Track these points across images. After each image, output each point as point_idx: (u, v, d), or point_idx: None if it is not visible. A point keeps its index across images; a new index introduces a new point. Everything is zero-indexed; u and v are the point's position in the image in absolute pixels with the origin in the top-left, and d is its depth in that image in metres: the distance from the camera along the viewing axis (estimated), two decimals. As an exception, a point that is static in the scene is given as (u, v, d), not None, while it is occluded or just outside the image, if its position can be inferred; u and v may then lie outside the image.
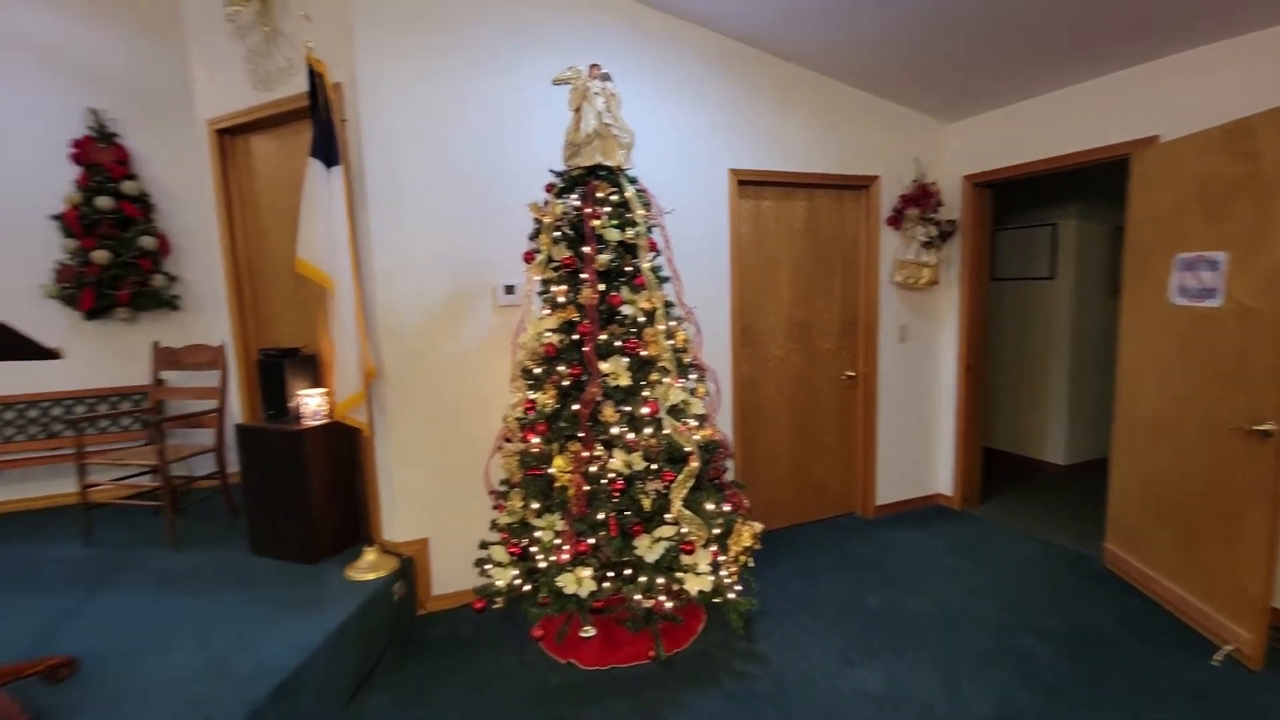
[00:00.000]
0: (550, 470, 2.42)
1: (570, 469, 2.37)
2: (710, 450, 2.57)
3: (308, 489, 2.81)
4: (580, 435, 2.38)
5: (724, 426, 3.42)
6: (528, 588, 2.48)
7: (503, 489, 2.66)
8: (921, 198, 3.80)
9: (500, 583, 2.49)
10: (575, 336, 2.43)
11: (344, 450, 2.96)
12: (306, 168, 2.46)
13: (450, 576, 3.03)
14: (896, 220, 3.87)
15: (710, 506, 2.47)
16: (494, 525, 2.67)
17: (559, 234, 2.47)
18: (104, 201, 3.75)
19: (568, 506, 2.38)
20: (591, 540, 2.34)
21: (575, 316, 2.44)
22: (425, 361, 2.90)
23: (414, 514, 2.97)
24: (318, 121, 2.45)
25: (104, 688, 2.01)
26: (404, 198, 2.80)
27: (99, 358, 3.98)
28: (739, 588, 2.53)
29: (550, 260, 2.47)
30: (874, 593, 3.17)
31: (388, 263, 2.80)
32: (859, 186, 3.87)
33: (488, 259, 2.95)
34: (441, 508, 3.00)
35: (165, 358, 3.69)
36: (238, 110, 3.14)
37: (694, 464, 2.39)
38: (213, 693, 1.97)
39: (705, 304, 3.20)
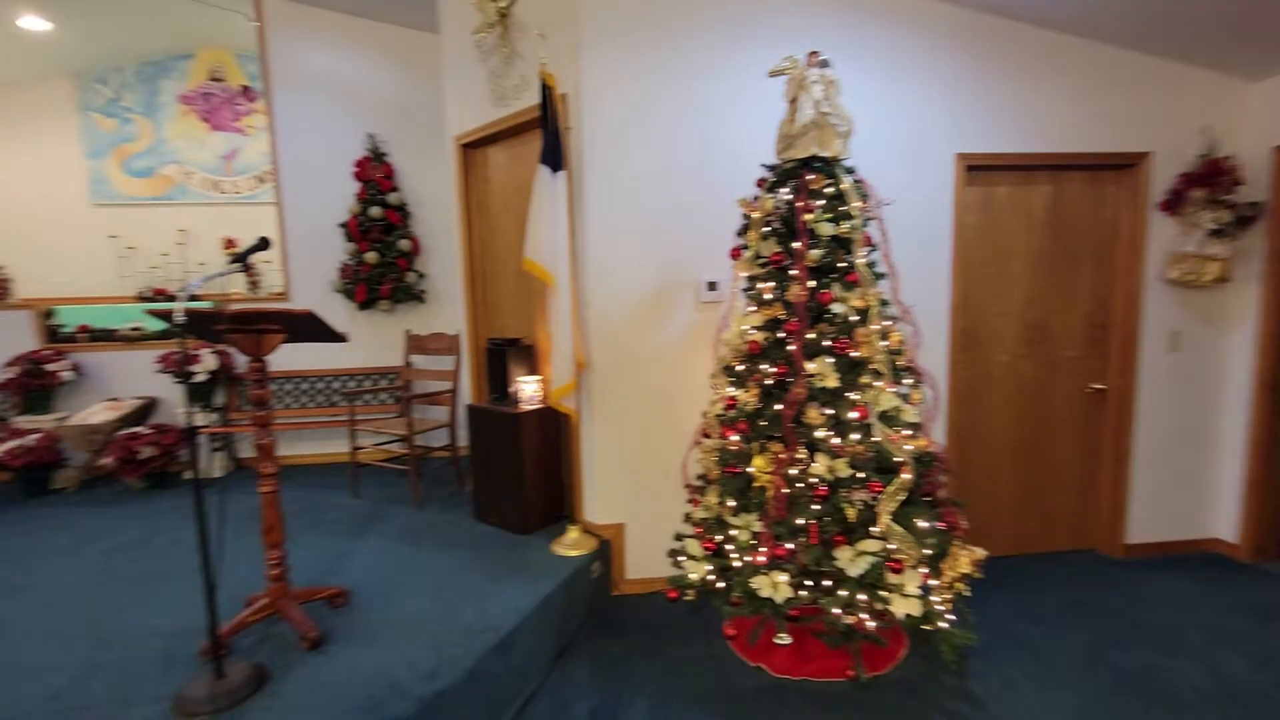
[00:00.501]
0: (749, 469, 2.39)
1: (770, 470, 2.32)
2: (925, 463, 2.35)
3: (522, 466, 3.10)
4: (782, 436, 2.31)
5: (938, 437, 3.11)
6: (721, 585, 2.47)
7: (699, 484, 2.69)
8: (1211, 175, 3.10)
9: (693, 576, 2.52)
10: (780, 334, 2.37)
11: (553, 434, 3.20)
12: (535, 174, 2.70)
13: (643, 562, 3.14)
14: (1174, 204, 3.21)
15: (923, 524, 2.25)
16: (688, 518, 2.71)
17: (768, 229, 2.42)
18: (375, 211, 4.48)
19: (766, 508, 2.33)
20: (789, 545, 2.27)
21: (781, 314, 2.37)
22: (630, 355, 3.03)
23: (613, 499, 3.12)
24: (546, 130, 2.67)
25: (367, 617, 2.40)
26: (617, 198, 2.94)
27: (366, 342, 4.78)
28: (952, 617, 2.28)
29: (758, 256, 2.43)
30: (1123, 649, 2.67)
31: (601, 260, 2.96)
32: (1122, 166, 3.27)
33: (691, 256, 2.99)
34: (638, 496, 3.12)
35: (414, 343, 4.30)
36: (478, 126, 3.54)
37: (906, 476, 2.20)
38: (446, 637, 2.25)
39: (920, 303, 2.93)
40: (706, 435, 2.67)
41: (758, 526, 2.35)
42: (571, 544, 2.95)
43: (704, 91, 2.94)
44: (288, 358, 4.56)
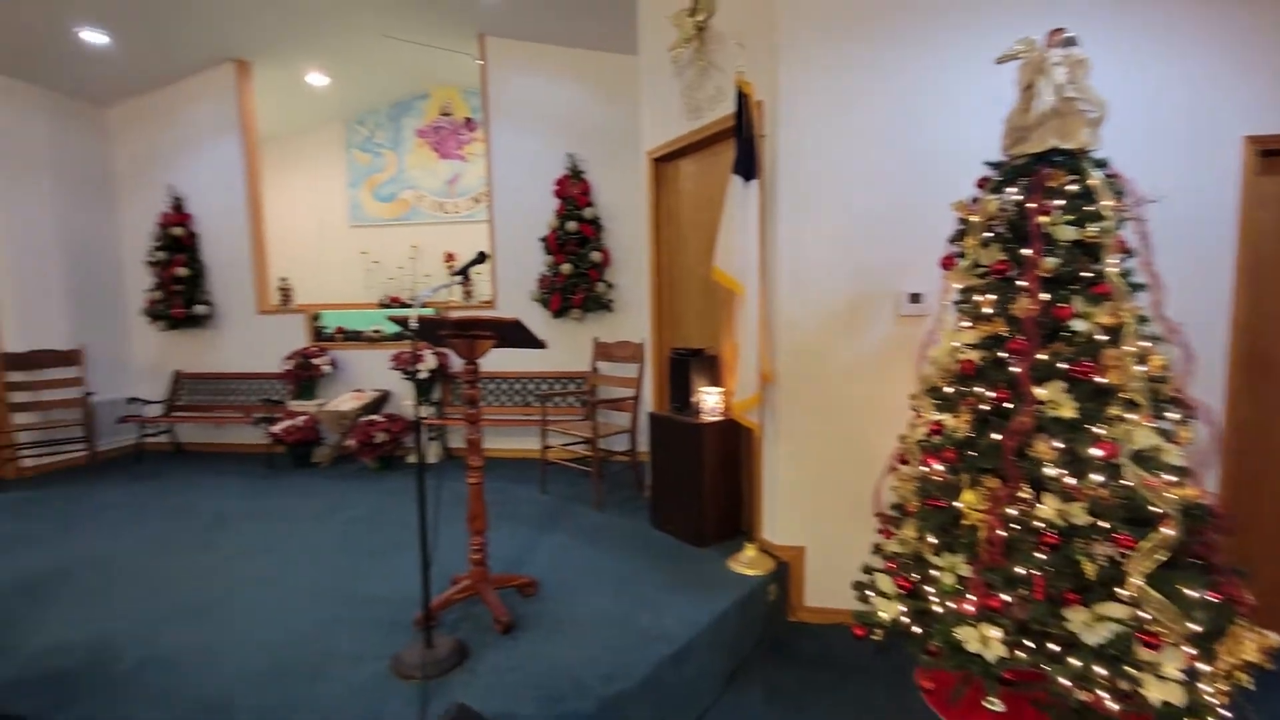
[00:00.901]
0: (956, 504, 2.12)
1: (983, 507, 2.03)
2: (1195, 517, 1.90)
3: (700, 478, 3.07)
4: (1000, 470, 2.02)
5: (1211, 487, 2.53)
6: (916, 629, 2.22)
7: (894, 514, 2.45)
8: None
9: (884, 615, 2.29)
10: (1001, 354, 2.07)
11: (734, 447, 3.14)
12: (727, 184, 2.67)
13: (824, 590, 2.95)
14: None
15: (1190, 593, 1.82)
16: (878, 550, 2.48)
17: (990, 235, 2.14)
18: (572, 225, 4.78)
19: (976, 550, 2.05)
20: (1005, 596, 1.97)
21: (1003, 330, 2.08)
22: (820, 369, 2.87)
23: (794, 520, 2.98)
24: (740, 139, 2.63)
25: (552, 609, 2.52)
26: (812, 205, 2.81)
27: (558, 348, 5.12)
28: (1228, 714, 1.82)
29: (976, 265, 2.16)
30: None
31: (792, 270, 2.85)
32: None
33: (891, 265, 2.76)
34: (822, 519, 2.93)
35: (601, 350, 4.50)
36: (670, 139, 3.62)
37: (1168, 531, 1.80)
38: (623, 641, 2.28)
39: (1192, 320, 2.40)
40: (904, 461, 2.43)
41: (965, 570, 2.07)
42: (749, 562, 2.86)
43: (911, 85, 2.70)
44: (495, 361, 5.04)
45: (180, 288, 5.39)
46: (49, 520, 3.84)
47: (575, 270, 4.78)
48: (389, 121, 7.06)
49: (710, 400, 3.14)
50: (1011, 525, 1.99)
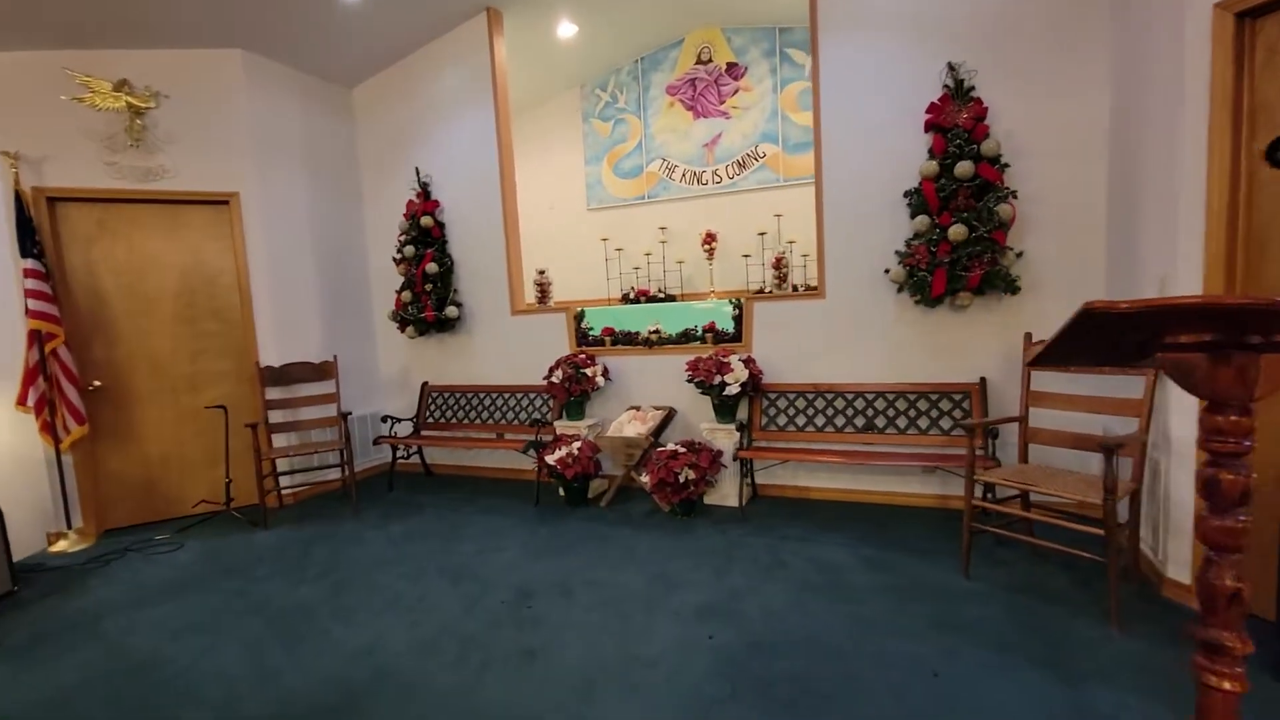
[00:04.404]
0: None
1: None
2: None
3: None
4: None
5: None
6: None
7: None
8: None
9: None
10: None
11: None
12: None
13: None
14: None
15: None
16: None
17: None
18: (964, 168, 3.18)
19: None
20: None
21: None
22: None
23: None
24: None
25: None
26: None
27: (918, 348, 3.56)
28: None
29: None
30: None
31: None
32: None
33: None
34: None
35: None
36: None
37: None
38: None
39: None
40: None
41: None
42: None
43: None
44: (790, 365, 3.60)
45: (431, 286, 4.60)
46: (319, 585, 3.02)
47: (971, 234, 3.18)
48: (633, 81, 5.94)
49: None
50: None
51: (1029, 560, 2.80)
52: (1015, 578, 2.65)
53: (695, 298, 5.58)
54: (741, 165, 5.59)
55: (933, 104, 3.36)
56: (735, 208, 5.64)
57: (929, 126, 3.38)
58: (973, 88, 3.30)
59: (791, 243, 5.38)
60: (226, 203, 4.23)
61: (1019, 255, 3.27)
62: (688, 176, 5.85)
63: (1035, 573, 2.68)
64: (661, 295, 5.76)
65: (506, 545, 3.37)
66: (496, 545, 3.38)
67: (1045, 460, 3.03)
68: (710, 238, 5.64)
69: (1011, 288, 3.26)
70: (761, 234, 5.51)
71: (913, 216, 3.40)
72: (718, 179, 5.74)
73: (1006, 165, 3.23)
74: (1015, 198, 3.22)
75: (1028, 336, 2.95)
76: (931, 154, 3.34)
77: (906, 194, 3.44)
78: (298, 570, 3.21)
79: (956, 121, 3.27)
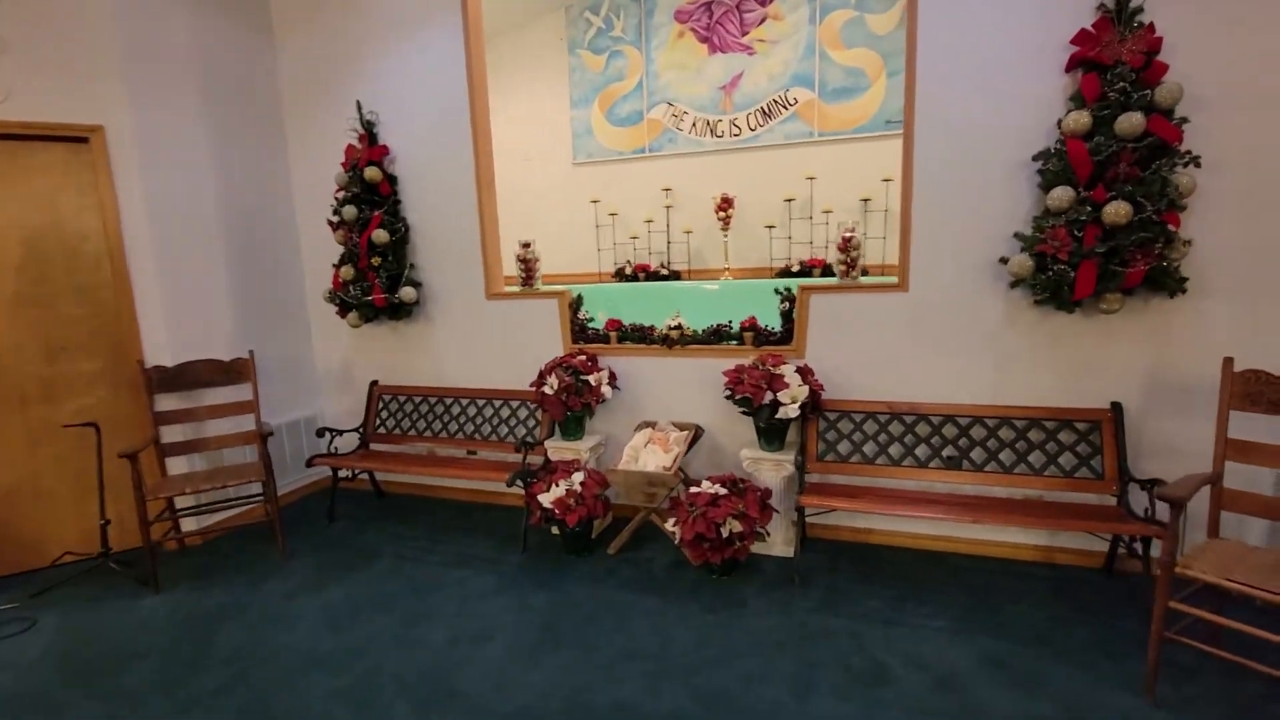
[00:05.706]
0: None
1: None
2: None
3: None
4: None
5: None
6: None
7: None
8: None
9: None
10: None
11: None
12: None
13: None
14: None
15: None
16: None
17: None
18: (1130, 122, 2.30)
19: None
20: None
21: None
22: None
23: None
24: None
25: None
26: None
27: (1033, 362, 2.75)
28: None
29: None
30: None
31: None
32: None
33: None
34: None
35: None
36: None
37: None
38: None
39: None
40: None
41: None
42: None
43: None
44: (877, 377, 2.78)
45: (379, 260, 3.52)
46: (217, 709, 2.06)
47: (1136, 215, 2.33)
48: (632, 3, 4.81)
49: None
50: None
51: (1218, 669, 2.05)
52: (1214, 697, 1.90)
53: (705, 276, 4.65)
54: (767, 114, 4.59)
55: (1084, 31, 2.44)
56: (757, 167, 4.65)
57: (1076, 62, 2.47)
58: (1140, 8, 2.40)
59: (827, 213, 4.46)
60: (86, 140, 3.05)
61: (1186, 245, 2.43)
62: (699, 126, 4.81)
63: (1241, 690, 1.94)
64: (664, 272, 4.79)
65: (491, 630, 2.46)
66: (478, 630, 2.47)
67: (1238, 535, 2.28)
68: (726, 203, 4.66)
69: (1178, 288, 2.45)
70: (789, 200, 4.56)
71: (1046, 188, 2.52)
72: (736, 131, 4.72)
73: (1185, 120, 2.37)
74: (1198, 165, 2.37)
75: (1228, 361, 2.14)
76: (1080, 101, 2.45)
77: (1037, 156, 2.56)
78: (191, 673, 2.25)
79: (1120, 56, 2.38)
